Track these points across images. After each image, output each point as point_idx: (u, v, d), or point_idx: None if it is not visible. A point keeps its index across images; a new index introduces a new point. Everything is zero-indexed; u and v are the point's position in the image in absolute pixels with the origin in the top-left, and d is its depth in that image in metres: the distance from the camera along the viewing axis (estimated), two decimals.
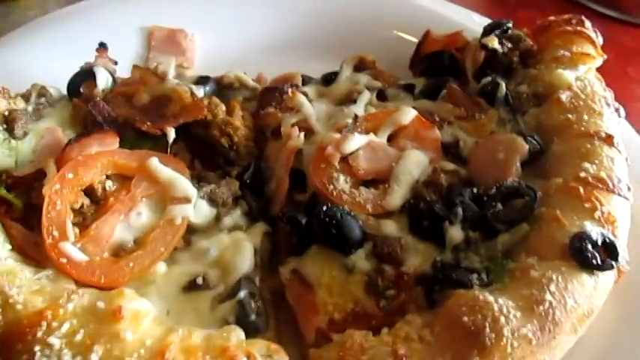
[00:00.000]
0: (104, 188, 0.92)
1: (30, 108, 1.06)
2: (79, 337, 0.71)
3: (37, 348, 0.71)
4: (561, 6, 1.78)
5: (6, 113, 1.02)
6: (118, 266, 0.84)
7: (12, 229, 0.87)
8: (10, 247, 0.84)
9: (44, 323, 0.71)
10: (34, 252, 0.87)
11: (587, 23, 1.17)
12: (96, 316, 0.73)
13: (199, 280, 0.86)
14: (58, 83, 1.16)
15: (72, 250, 0.83)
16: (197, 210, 0.94)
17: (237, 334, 0.78)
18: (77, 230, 0.87)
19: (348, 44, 1.35)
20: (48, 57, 1.30)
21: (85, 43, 1.30)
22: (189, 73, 1.36)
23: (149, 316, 0.78)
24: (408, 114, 1.03)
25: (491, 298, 0.79)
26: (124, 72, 1.24)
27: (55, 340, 0.71)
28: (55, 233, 0.84)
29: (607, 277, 0.85)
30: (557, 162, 0.99)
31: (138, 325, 0.75)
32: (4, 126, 1.00)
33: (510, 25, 1.19)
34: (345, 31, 1.39)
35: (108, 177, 0.94)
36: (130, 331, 0.73)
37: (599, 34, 1.17)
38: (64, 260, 0.82)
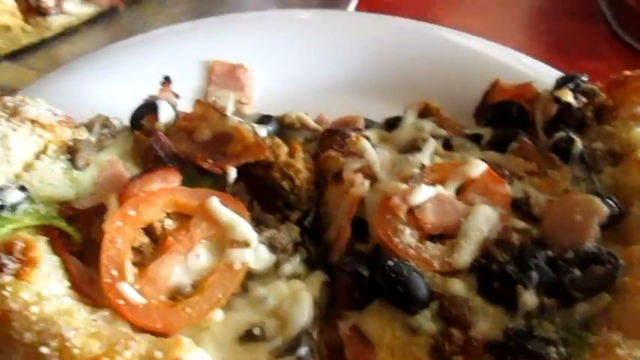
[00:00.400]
0: (163, 227, 0.90)
1: (93, 138, 1.05)
2: None
3: None
4: (627, 56, 1.73)
5: (70, 143, 1.01)
6: (174, 311, 0.81)
7: (70, 264, 0.85)
8: (68, 283, 0.82)
9: None
10: (89, 289, 0.84)
11: None
12: None
13: (256, 331, 0.83)
14: (116, 112, 1.16)
15: (130, 291, 0.80)
16: (256, 255, 0.90)
17: None
18: (135, 270, 0.84)
19: (409, 87, 1.33)
20: (109, 86, 1.30)
21: (147, 73, 1.32)
22: (247, 109, 1.35)
23: None
24: (478, 167, 0.99)
25: None
26: (182, 104, 1.24)
27: None
28: (114, 272, 0.81)
29: None
30: (639, 227, 0.92)
31: None
32: (68, 156, 1.00)
33: (585, 78, 1.14)
34: (408, 74, 1.36)
35: (167, 215, 0.92)
36: None
37: None
38: (121, 302, 0.79)
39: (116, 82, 1.30)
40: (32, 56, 1.68)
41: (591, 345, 0.79)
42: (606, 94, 1.14)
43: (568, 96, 1.10)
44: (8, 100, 1.03)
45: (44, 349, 0.70)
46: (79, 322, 0.75)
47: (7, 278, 0.76)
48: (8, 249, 0.79)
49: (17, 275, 0.77)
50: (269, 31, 1.44)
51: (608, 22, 1.85)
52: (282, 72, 1.39)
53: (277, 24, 1.46)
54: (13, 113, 1.01)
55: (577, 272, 0.86)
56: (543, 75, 1.27)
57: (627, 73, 1.16)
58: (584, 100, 1.11)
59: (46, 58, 1.68)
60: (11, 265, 0.77)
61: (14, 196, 0.87)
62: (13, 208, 0.86)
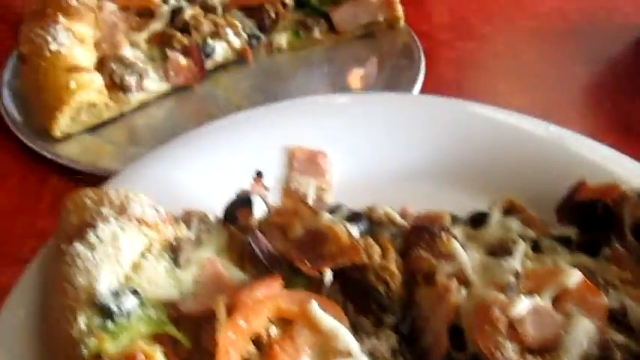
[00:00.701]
0: (269, 335, 0.92)
1: (192, 235, 1.09)
2: None
3: None
4: None
5: (173, 242, 1.05)
6: None
7: None
8: None
9: None
10: None
11: None
12: None
13: None
14: (204, 200, 1.20)
15: None
16: None
17: None
18: None
19: (489, 176, 1.35)
20: (195, 173, 1.34)
21: (230, 160, 1.37)
22: (327, 196, 1.38)
23: None
24: (574, 277, 0.99)
25: None
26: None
27: None
28: None
29: None
30: None
31: None
32: (171, 254, 1.04)
33: None
34: (487, 164, 1.38)
35: (271, 321, 0.94)
36: None
37: None
38: None
39: (201, 169, 1.34)
40: (109, 128, 1.75)
41: None
42: None
43: None
44: (114, 197, 1.08)
45: None
46: None
47: None
48: None
49: None
50: (347, 116, 1.48)
51: None
52: (361, 157, 1.42)
53: (354, 108, 1.50)
54: (121, 211, 1.05)
55: None
56: (631, 172, 1.27)
57: None
58: None
59: (122, 130, 1.75)
60: None
61: (129, 301, 0.91)
62: (129, 315, 0.90)
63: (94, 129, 1.71)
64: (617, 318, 0.98)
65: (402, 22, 2.08)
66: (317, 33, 1.98)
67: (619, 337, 0.96)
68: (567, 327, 0.95)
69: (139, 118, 1.79)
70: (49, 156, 1.61)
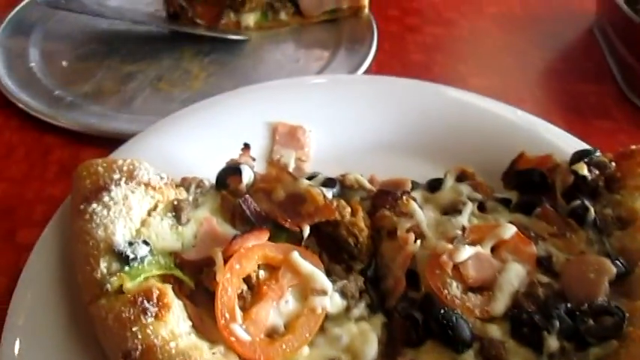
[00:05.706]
0: (257, 277, 1.12)
1: (190, 197, 1.27)
2: None
3: None
4: (634, 116, 1.95)
5: (175, 202, 1.23)
6: (273, 347, 1.03)
7: (187, 306, 1.06)
8: (190, 322, 1.03)
9: None
10: (200, 327, 1.06)
11: None
12: None
13: None
14: (197, 169, 1.39)
15: (239, 330, 1.02)
16: (332, 301, 1.12)
17: None
18: (241, 313, 1.06)
19: (447, 149, 1.55)
20: (189, 145, 1.52)
21: (221, 134, 1.54)
22: (306, 166, 1.57)
23: None
24: (509, 230, 1.21)
25: None
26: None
27: None
28: (227, 315, 1.03)
29: None
30: None
31: None
32: (173, 213, 1.22)
33: (598, 153, 1.36)
34: (446, 138, 1.58)
35: (259, 267, 1.14)
36: None
37: None
38: (233, 339, 1.01)
39: (197, 141, 1.51)
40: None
41: None
42: (615, 164, 1.36)
43: (583, 169, 1.31)
44: (123, 164, 1.26)
45: None
46: (207, 355, 0.96)
47: (150, 320, 0.98)
48: (147, 295, 1.01)
49: (156, 317, 0.99)
50: (324, 95, 1.66)
51: (618, 83, 2.06)
52: (335, 132, 1.61)
53: (330, 89, 1.69)
54: (129, 176, 1.23)
55: (591, 322, 1.08)
56: (564, 143, 1.49)
57: (633, 147, 1.38)
58: (596, 172, 1.33)
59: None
60: (152, 309, 0.99)
61: (142, 250, 1.09)
62: (142, 260, 1.08)
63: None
64: (544, 263, 1.20)
65: (365, 11, 2.22)
66: (283, 15, 2.12)
67: (544, 279, 1.17)
68: (502, 270, 1.16)
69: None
70: (54, 122, 1.73)
